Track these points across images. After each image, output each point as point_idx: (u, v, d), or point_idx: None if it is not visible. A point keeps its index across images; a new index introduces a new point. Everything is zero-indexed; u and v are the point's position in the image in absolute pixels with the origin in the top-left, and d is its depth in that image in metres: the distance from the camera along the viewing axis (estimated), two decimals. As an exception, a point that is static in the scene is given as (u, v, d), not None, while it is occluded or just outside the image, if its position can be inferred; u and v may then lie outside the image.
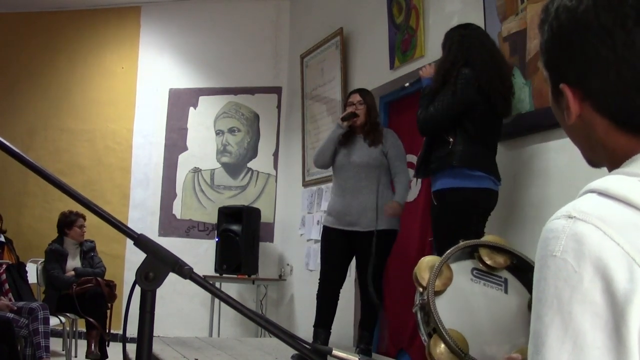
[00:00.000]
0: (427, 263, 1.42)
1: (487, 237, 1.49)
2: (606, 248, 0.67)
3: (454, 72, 3.02)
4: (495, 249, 1.47)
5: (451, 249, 1.44)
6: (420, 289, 1.37)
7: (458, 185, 2.98)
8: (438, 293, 1.37)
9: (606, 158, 0.82)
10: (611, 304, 0.66)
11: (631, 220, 0.69)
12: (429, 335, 1.34)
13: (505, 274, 1.45)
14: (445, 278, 1.40)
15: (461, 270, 1.43)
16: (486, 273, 1.45)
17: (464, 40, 3.08)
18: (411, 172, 4.49)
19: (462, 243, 1.47)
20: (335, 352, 0.94)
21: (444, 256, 1.41)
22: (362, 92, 3.94)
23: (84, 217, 5.40)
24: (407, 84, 3.65)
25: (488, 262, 1.45)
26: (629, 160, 0.77)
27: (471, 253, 1.48)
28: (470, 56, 3.02)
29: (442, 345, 1.28)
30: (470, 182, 2.97)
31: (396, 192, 3.75)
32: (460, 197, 2.99)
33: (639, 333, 0.66)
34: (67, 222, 5.37)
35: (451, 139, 3.00)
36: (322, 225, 4.05)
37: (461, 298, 1.41)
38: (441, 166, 3.02)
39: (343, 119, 3.86)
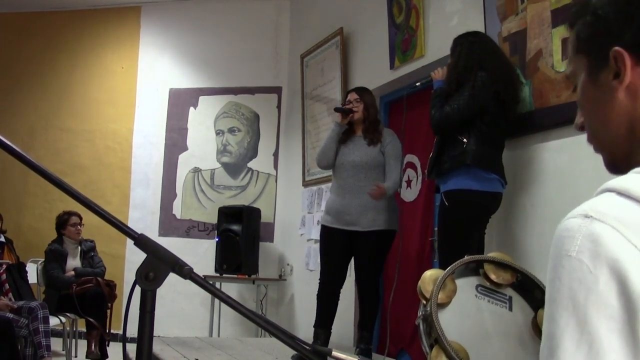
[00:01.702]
0: (430, 276, 1.41)
1: (493, 254, 1.48)
2: (623, 250, 0.66)
3: (471, 75, 3.05)
4: (500, 265, 1.46)
5: (455, 263, 1.43)
6: (424, 302, 1.37)
7: (471, 188, 3.00)
8: (442, 306, 1.37)
9: None
10: (627, 306, 0.65)
11: None
12: (431, 347, 1.33)
13: (509, 292, 1.45)
14: (449, 291, 1.40)
15: (466, 286, 1.43)
16: (491, 290, 1.44)
17: (474, 46, 3.13)
18: (412, 172, 4.50)
19: (467, 258, 1.47)
20: (334, 353, 0.94)
21: (447, 269, 1.40)
22: (359, 90, 3.94)
23: (78, 216, 5.38)
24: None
25: (494, 279, 1.44)
26: None
27: (475, 269, 1.48)
28: (485, 62, 3.08)
29: (444, 357, 1.28)
30: (484, 185, 3.01)
31: (386, 181, 3.69)
32: (473, 199, 3.01)
33: None
34: (61, 222, 5.37)
35: (465, 139, 3.03)
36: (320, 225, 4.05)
37: (465, 314, 1.40)
38: (455, 165, 3.04)
39: (336, 110, 3.89)
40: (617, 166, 0.84)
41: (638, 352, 0.64)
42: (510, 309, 1.44)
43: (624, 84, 0.79)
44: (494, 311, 1.43)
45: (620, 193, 0.71)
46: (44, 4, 7.01)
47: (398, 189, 3.85)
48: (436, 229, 3.99)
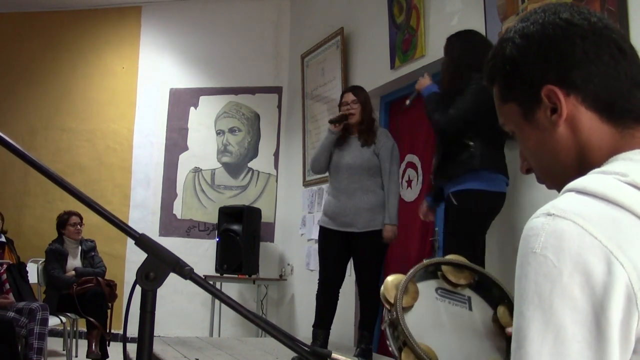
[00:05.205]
0: (392, 282, 1.45)
1: (449, 256, 1.52)
2: (584, 242, 0.69)
3: (466, 77, 3.04)
4: (457, 266, 1.50)
5: (414, 268, 1.47)
6: (388, 307, 1.40)
7: (480, 188, 3.01)
8: (406, 309, 1.40)
9: (589, 165, 0.83)
10: (590, 297, 0.68)
11: (609, 215, 0.71)
12: (399, 350, 1.36)
13: (468, 292, 1.48)
14: (413, 292, 1.43)
15: (426, 289, 1.46)
16: (450, 292, 1.48)
17: (467, 45, 3.11)
18: (412, 172, 4.50)
19: (425, 261, 1.51)
20: (334, 355, 0.94)
21: (408, 274, 1.44)
22: (354, 90, 3.92)
23: (79, 215, 5.38)
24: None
25: (452, 280, 1.48)
26: (606, 162, 0.80)
27: (434, 272, 1.51)
28: (478, 62, 3.03)
29: (414, 358, 1.31)
30: (491, 185, 3.02)
31: (386, 211, 3.68)
32: (482, 199, 3.02)
33: (619, 324, 0.67)
34: (61, 222, 5.37)
35: (471, 143, 3.03)
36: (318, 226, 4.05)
37: (428, 316, 1.44)
38: (464, 170, 3.04)
39: (331, 122, 3.85)
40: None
41: (601, 342, 0.67)
42: (470, 308, 1.47)
43: (563, 116, 0.83)
44: (455, 312, 1.47)
45: (579, 191, 0.75)
46: (44, 4, 7.01)
47: (400, 190, 3.84)
48: (437, 229, 4.00)
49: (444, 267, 1.45)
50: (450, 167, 3.10)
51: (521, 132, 0.90)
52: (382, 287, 1.41)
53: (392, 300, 1.37)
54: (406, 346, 1.32)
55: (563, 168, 0.87)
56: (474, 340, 1.40)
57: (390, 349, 1.36)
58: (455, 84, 3.12)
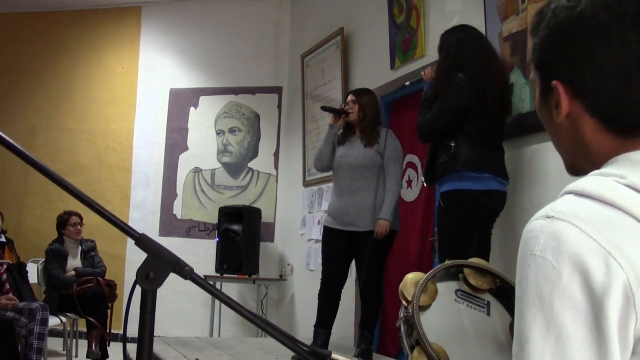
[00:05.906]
0: (411, 280, 1.43)
1: (473, 259, 1.50)
2: (583, 244, 0.70)
3: (448, 77, 3.06)
4: (479, 270, 1.48)
5: (436, 267, 1.46)
6: (405, 304, 1.39)
7: (462, 187, 3.01)
8: (423, 308, 1.39)
9: (589, 160, 0.83)
10: (590, 297, 0.68)
11: (607, 216, 0.72)
12: (411, 348, 1.35)
13: (488, 297, 1.47)
14: (431, 292, 1.42)
15: (446, 290, 1.45)
16: (470, 295, 1.46)
17: (459, 43, 3.11)
18: (412, 172, 4.50)
19: (447, 262, 1.49)
20: (334, 355, 0.94)
21: (429, 273, 1.43)
22: (357, 92, 3.93)
23: (79, 215, 5.38)
24: (407, 83, 3.67)
25: (473, 283, 1.46)
26: (607, 163, 0.80)
27: (456, 274, 1.50)
28: (466, 61, 3.06)
29: (425, 358, 1.30)
30: (474, 183, 3.00)
31: (383, 206, 3.66)
32: (464, 198, 3.02)
33: (617, 324, 0.68)
34: (61, 222, 5.38)
35: (452, 144, 3.03)
36: (322, 225, 4.06)
37: (445, 317, 1.43)
38: (446, 171, 3.06)
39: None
40: (573, 167, 0.89)
41: (602, 340, 0.68)
42: (488, 313, 1.46)
43: (562, 115, 0.83)
44: (473, 315, 1.45)
45: (578, 194, 0.75)
46: (44, 4, 7.01)
47: (400, 190, 3.85)
48: (437, 229, 4.00)
49: (465, 270, 1.44)
50: (435, 168, 3.14)
51: (537, 101, 0.90)
52: (401, 284, 1.40)
53: (409, 298, 1.36)
54: (419, 345, 1.31)
55: (564, 150, 0.89)
56: (489, 345, 1.39)
57: (402, 345, 1.36)
58: (441, 84, 3.13)
